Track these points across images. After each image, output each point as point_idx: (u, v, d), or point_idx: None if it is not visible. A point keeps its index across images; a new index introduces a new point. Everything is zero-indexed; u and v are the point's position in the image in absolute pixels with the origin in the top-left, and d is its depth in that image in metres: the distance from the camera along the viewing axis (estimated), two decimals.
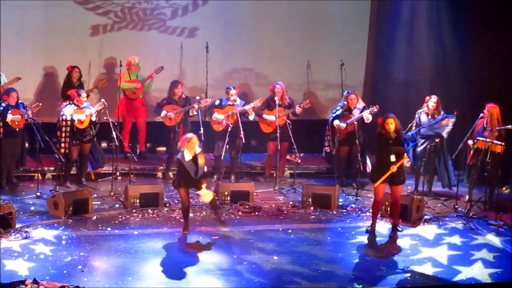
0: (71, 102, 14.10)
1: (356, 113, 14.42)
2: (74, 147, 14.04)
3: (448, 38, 16.10)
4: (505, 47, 15.24)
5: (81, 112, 13.94)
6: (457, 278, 10.49)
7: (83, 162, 14.39)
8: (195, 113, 14.62)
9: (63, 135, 13.94)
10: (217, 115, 14.62)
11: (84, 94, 14.12)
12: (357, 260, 11.17)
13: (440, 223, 12.81)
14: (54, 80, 16.07)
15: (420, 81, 16.44)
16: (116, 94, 15.19)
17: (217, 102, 14.82)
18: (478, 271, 10.73)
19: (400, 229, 12.21)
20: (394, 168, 11.73)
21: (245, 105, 14.67)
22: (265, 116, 14.83)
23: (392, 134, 11.85)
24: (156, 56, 16.26)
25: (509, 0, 14.98)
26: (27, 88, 15.81)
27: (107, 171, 14.95)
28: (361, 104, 14.70)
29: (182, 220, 12.27)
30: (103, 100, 14.12)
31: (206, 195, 12.00)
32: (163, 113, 14.76)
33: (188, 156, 11.70)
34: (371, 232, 12.08)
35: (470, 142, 13.50)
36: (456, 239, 12.01)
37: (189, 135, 11.87)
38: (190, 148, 11.69)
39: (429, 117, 14.04)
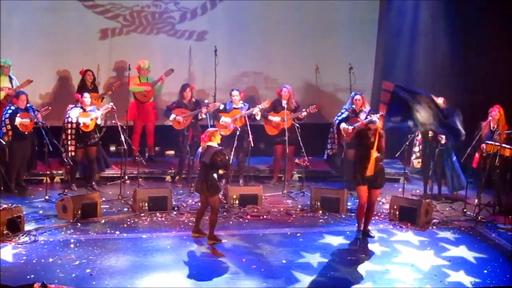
0: (77, 105, 14.14)
1: (362, 117, 14.41)
2: (79, 149, 14.10)
3: (456, 41, 16.08)
4: None
5: (86, 115, 13.99)
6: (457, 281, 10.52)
7: (92, 165, 14.43)
8: (203, 116, 14.63)
9: (69, 137, 13.98)
10: (225, 119, 14.62)
11: (86, 95, 14.16)
12: (366, 264, 11.16)
13: (449, 226, 12.83)
14: (63, 84, 16.11)
15: (429, 84, 16.39)
16: (126, 98, 15.19)
17: (222, 106, 14.82)
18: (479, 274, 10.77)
19: (372, 235, 12.14)
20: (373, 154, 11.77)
21: (251, 107, 14.68)
22: (270, 117, 14.84)
23: (374, 135, 11.85)
24: (165, 59, 16.28)
25: None
26: (37, 92, 15.90)
27: (115, 175, 14.97)
28: (367, 107, 14.67)
29: (192, 223, 12.26)
30: (111, 104, 14.13)
31: None
32: (172, 116, 14.77)
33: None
34: (361, 238, 12.07)
35: (483, 145, 13.47)
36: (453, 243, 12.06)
37: (211, 129, 11.86)
38: (216, 140, 11.65)
39: None
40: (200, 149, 11.70)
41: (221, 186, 12.04)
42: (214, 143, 11.59)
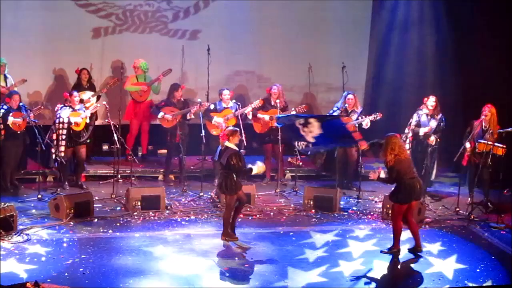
0: (65, 104, 14.13)
1: (353, 117, 14.42)
2: (68, 149, 14.08)
3: (449, 40, 16.12)
4: (506, 48, 15.24)
5: (77, 114, 13.97)
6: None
7: (79, 165, 14.44)
8: (192, 116, 14.61)
9: (60, 137, 13.96)
10: (217, 119, 14.60)
11: (76, 94, 14.16)
12: (359, 262, 11.18)
13: (442, 225, 12.85)
14: (56, 83, 16.08)
15: (421, 83, 16.45)
16: (120, 97, 15.16)
17: (212, 106, 14.79)
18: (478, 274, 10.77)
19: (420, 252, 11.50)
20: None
21: (239, 107, 14.69)
22: (259, 115, 14.84)
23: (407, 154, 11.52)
24: (158, 58, 16.27)
25: (508, 1, 14.99)
26: (29, 91, 15.87)
27: (108, 174, 14.96)
28: (359, 108, 14.69)
29: (185, 222, 12.26)
30: (104, 103, 14.11)
31: (260, 168, 11.86)
32: (161, 114, 14.75)
33: (235, 148, 11.67)
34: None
35: (467, 145, 13.46)
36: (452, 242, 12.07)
37: (231, 128, 11.93)
38: (235, 141, 11.66)
39: (429, 117, 14.03)
40: (219, 147, 11.76)
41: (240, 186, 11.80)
42: (232, 143, 11.63)
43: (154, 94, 15.88)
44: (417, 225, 11.73)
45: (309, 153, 15.01)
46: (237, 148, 11.68)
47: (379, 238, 12.06)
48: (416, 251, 11.39)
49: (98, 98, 15.35)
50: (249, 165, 11.73)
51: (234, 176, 11.57)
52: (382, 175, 11.46)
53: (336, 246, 11.81)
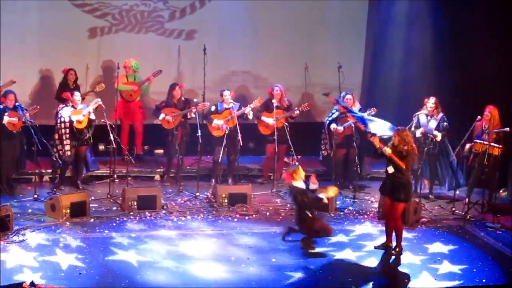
0: (67, 104, 14.09)
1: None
2: (73, 148, 14.03)
3: (445, 39, 16.11)
4: (503, 48, 15.24)
5: (78, 113, 13.91)
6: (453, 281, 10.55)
7: (79, 164, 14.38)
8: (193, 115, 14.59)
9: (63, 137, 13.91)
10: (217, 121, 14.57)
11: (77, 93, 14.12)
12: (356, 255, 11.24)
13: (438, 225, 12.86)
14: (52, 83, 16.03)
15: (417, 83, 16.43)
16: (114, 96, 15.16)
17: (213, 108, 14.76)
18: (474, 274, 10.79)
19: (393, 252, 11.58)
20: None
21: (242, 106, 14.68)
22: (263, 118, 14.83)
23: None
24: (154, 58, 16.25)
25: (508, 1, 15.00)
26: (25, 90, 15.82)
27: (104, 174, 14.94)
28: (357, 106, 14.71)
29: (181, 222, 12.28)
30: (99, 99, 14.08)
31: (331, 191, 11.86)
32: (162, 116, 14.73)
33: (301, 185, 11.65)
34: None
35: (467, 145, 13.50)
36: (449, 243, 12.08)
37: (292, 167, 12.00)
38: (300, 177, 11.67)
39: (428, 117, 14.03)
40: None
41: (318, 221, 11.74)
42: (298, 181, 11.65)
43: (146, 95, 15.87)
44: (391, 228, 11.65)
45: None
46: (301, 186, 11.63)
47: (374, 238, 12.06)
48: (387, 247, 11.56)
49: (83, 99, 15.26)
50: (319, 195, 11.62)
51: (308, 212, 11.56)
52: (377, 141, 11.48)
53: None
